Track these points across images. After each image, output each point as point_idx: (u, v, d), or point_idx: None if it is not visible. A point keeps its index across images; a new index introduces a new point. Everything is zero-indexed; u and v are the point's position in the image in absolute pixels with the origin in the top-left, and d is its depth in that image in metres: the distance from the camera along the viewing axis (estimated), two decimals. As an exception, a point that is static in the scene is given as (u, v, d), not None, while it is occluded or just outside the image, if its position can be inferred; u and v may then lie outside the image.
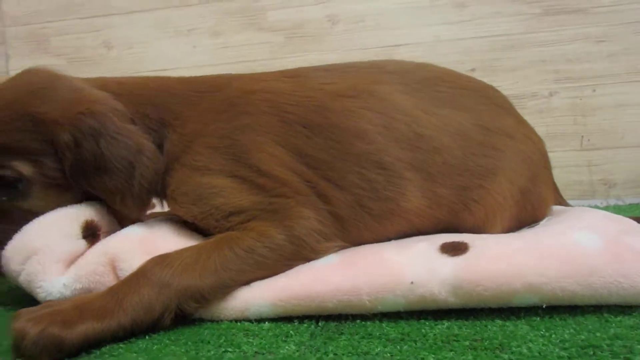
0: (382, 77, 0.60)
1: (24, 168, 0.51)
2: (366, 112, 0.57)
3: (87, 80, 0.59)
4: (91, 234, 0.54)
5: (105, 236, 0.55)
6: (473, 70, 1.14)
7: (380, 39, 1.17)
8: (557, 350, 0.37)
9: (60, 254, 0.50)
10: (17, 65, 1.30)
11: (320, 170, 0.55)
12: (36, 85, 0.53)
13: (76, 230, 0.52)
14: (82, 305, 0.43)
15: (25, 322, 0.40)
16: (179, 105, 0.58)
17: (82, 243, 0.52)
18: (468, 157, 0.58)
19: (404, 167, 0.56)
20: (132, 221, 0.57)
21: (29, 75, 0.56)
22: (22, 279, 0.49)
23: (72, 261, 0.51)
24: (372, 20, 1.19)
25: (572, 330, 0.41)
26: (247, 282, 0.48)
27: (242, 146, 0.54)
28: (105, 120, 0.52)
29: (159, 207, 0.63)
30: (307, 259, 0.50)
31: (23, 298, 0.52)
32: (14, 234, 0.51)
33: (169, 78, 0.63)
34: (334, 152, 0.55)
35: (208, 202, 0.53)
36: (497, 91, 0.66)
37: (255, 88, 0.59)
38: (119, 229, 0.56)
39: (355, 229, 0.55)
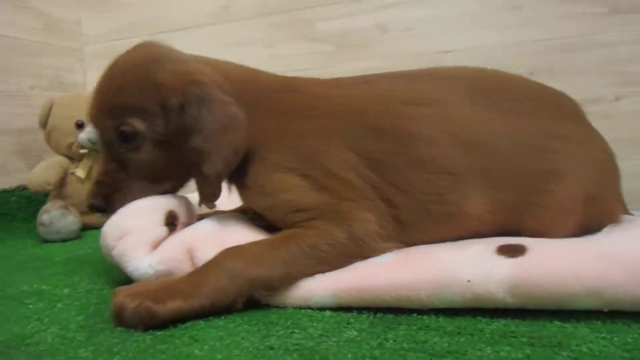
0: (447, 84, 0.62)
1: (139, 124, 0.58)
2: (431, 118, 0.59)
3: (192, 55, 0.64)
4: (171, 222, 0.61)
5: (182, 227, 0.62)
6: (531, 74, 1.11)
7: (430, 45, 1.17)
8: (619, 352, 0.38)
9: (148, 237, 0.57)
10: (93, 78, 1.44)
11: (386, 175, 0.58)
12: (154, 56, 0.60)
13: (161, 218, 0.60)
14: (168, 286, 0.49)
15: (124, 297, 0.47)
16: (266, 99, 0.62)
17: (164, 230, 0.60)
18: (531, 162, 0.58)
19: (468, 172, 0.57)
20: (210, 200, 0.60)
21: (145, 48, 0.62)
22: (115, 253, 0.57)
23: (156, 245, 0.58)
24: (422, 27, 1.19)
25: (635, 335, 0.41)
26: (311, 275, 0.52)
27: (316, 148, 0.58)
28: (207, 90, 0.57)
29: (225, 196, 0.67)
30: (366, 257, 0.54)
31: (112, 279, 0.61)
32: (127, 183, 0.60)
33: (258, 70, 0.68)
34: (402, 157, 0.58)
35: (278, 196, 0.57)
36: (568, 98, 0.65)
37: (332, 93, 0.62)
38: (194, 222, 0.63)
39: (415, 231, 0.58)
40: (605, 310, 0.44)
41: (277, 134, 0.60)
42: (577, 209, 0.58)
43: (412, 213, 0.58)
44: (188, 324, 0.47)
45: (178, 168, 0.61)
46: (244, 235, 0.59)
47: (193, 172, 0.60)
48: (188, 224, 0.63)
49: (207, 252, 0.54)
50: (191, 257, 0.56)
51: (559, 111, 0.62)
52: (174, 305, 0.46)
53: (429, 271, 0.48)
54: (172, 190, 0.65)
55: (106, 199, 0.61)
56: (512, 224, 0.58)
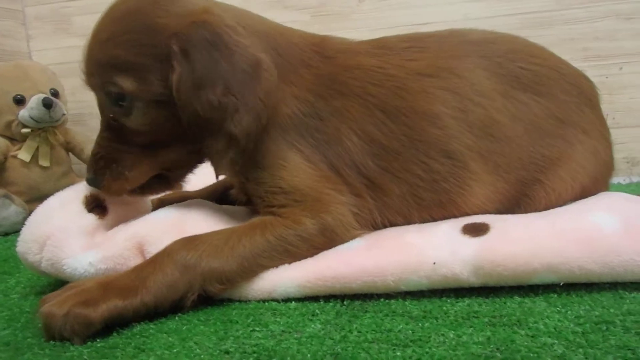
0: (463, 49, 0.58)
1: (127, 84, 0.49)
2: (443, 92, 0.56)
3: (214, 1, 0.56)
4: (96, 206, 0.56)
5: (117, 207, 0.57)
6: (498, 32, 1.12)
7: (407, 17, 1.15)
8: (572, 325, 0.39)
9: (75, 230, 0.52)
10: (38, 46, 1.31)
11: (385, 161, 0.55)
12: None
13: (79, 206, 0.55)
14: (106, 283, 0.44)
15: (51, 305, 0.41)
16: (294, 64, 0.56)
17: (92, 217, 0.54)
18: (536, 148, 0.57)
19: (471, 157, 0.55)
20: (229, 169, 0.54)
21: None
22: (45, 266, 0.51)
23: (92, 234, 0.53)
24: None
25: (587, 307, 0.43)
26: (274, 267, 0.49)
27: (331, 134, 0.55)
28: (219, 31, 0.48)
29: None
30: (334, 246, 0.52)
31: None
32: (121, 154, 0.53)
33: (287, 27, 0.60)
34: (405, 139, 0.55)
35: (272, 171, 0.53)
36: (586, 79, 0.63)
37: (351, 64, 0.57)
38: (130, 200, 0.58)
39: (398, 217, 0.57)
40: (561, 284, 0.46)
41: (301, 112, 0.55)
42: (569, 200, 0.57)
43: (399, 200, 0.56)
44: (136, 329, 0.43)
45: (183, 134, 0.51)
46: (207, 225, 0.55)
47: (205, 137, 0.50)
48: (128, 202, 0.58)
49: (161, 246, 0.49)
50: (142, 253, 0.52)
51: (575, 95, 0.59)
52: (110, 305, 0.41)
53: (396, 255, 0.48)
54: (178, 162, 0.57)
55: (100, 174, 0.53)
56: (508, 211, 0.57)
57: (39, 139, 1.05)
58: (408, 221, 0.57)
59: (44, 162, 1.05)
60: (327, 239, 0.51)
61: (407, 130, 0.55)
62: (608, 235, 0.46)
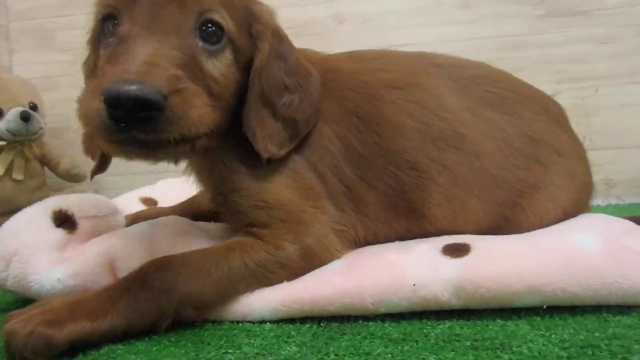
0: (430, 70, 0.59)
1: (229, 23, 0.46)
2: (410, 105, 0.56)
3: None
4: (65, 221, 0.53)
5: (90, 222, 0.55)
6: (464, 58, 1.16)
7: (385, 38, 1.18)
8: (556, 350, 0.38)
9: (42, 245, 0.50)
10: (20, 60, 1.30)
11: (360, 169, 0.55)
12: None
13: (47, 221, 0.52)
14: (74, 303, 0.41)
15: (15, 323, 0.39)
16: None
17: (61, 232, 0.52)
18: (510, 168, 0.55)
19: (437, 170, 0.55)
20: (279, 150, 0.52)
21: None
22: (11, 284, 0.49)
23: (61, 249, 0.51)
24: (377, 19, 1.20)
25: (571, 330, 0.41)
26: (251, 292, 0.47)
27: (312, 134, 0.54)
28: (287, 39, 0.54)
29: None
30: (315, 269, 0.50)
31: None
32: (201, 98, 0.42)
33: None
34: (377, 148, 0.55)
35: (259, 183, 0.51)
36: (553, 102, 0.63)
37: (330, 68, 0.58)
38: (100, 212, 0.56)
39: (380, 226, 0.56)
40: (544, 307, 0.45)
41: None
42: (554, 224, 0.56)
43: (378, 209, 0.55)
44: (103, 350, 0.40)
45: (238, 106, 0.50)
46: (180, 242, 0.53)
47: (258, 117, 0.50)
48: (99, 217, 0.56)
49: (132, 263, 0.48)
50: (113, 270, 0.50)
51: (544, 115, 0.59)
52: (77, 327, 0.39)
53: (376, 276, 0.46)
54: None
55: (173, 80, 0.40)
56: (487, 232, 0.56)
57: (15, 152, 1.03)
58: (390, 228, 0.56)
59: (18, 176, 1.02)
60: (308, 264, 0.49)
61: (377, 139, 0.55)
62: (590, 256, 0.45)
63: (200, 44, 0.45)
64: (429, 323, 0.44)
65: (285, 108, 0.52)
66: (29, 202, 0.59)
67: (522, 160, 0.56)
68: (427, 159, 0.55)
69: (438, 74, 0.59)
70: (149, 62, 0.39)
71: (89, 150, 0.56)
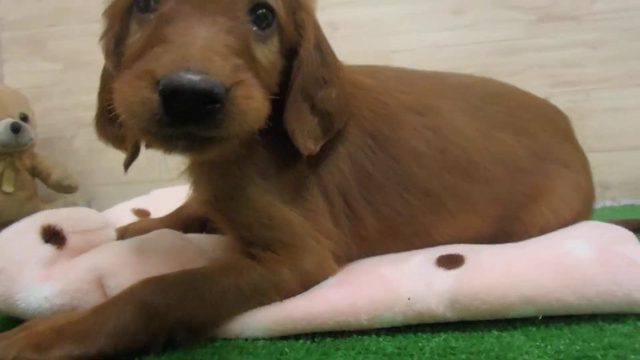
0: (444, 91, 0.59)
1: (280, 7, 0.44)
2: (427, 132, 0.56)
3: None
4: (53, 236, 0.52)
5: (80, 237, 0.54)
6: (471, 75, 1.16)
7: (379, 44, 1.18)
8: (552, 361, 0.37)
9: (31, 261, 0.49)
10: (12, 69, 1.29)
11: (368, 191, 0.54)
12: None
13: (36, 237, 0.51)
14: (61, 327, 0.40)
15: (0, 346, 0.38)
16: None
17: (50, 248, 0.51)
18: (517, 187, 0.57)
19: (449, 196, 0.55)
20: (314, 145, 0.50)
21: None
22: None
23: (50, 265, 0.49)
24: (371, 26, 1.20)
25: (567, 340, 0.41)
26: (244, 313, 0.45)
27: (324, 149, 0.52)
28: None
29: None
30: (309, 289, 0.49)
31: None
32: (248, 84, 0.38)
33: None
34: (390, 172, 0.54)
35: (270, 199, 0.49)
36: (560, 113, 0.65)
37: (350, 79, 0.55)
38: (90, 226, 0.55)
39: (376, 247, 0.56)
40: (540, 317, 0.44)
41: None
42: None
43: (378, 233, 0.55)
44: None
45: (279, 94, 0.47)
46: (172, 259, 0.52)
47: (293, 109, 0.48)
48: (89, 231, 0.55)
49: (122, 280, 0.46)
50: (102, 287, 0.48)
51: (552, 129, 0.61)
52: (63, 352, 0.38)
53: (370, 293, 0.46)
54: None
55: (234, 69, 0.37)
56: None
57: (4, 164, 1.02)
58: (385, 251, 0.56)
59: (8, 188, 1.00)
60: (303, 287, 0.48)
61: (392, 163, 0.55)
62: (583, 263, 0.45)
63: (254, 28, 0.43)
64: (424, 336, 0.44)
65: (323, 102, 0.50)
66: (20, 214, 0.59)
67: (531, 178, 0.58)
68: (441, 185, 0.55)
69: (451, 96, 0.59)
70: (209, 48, 0.35)
71: (103, 134, 0.52)
